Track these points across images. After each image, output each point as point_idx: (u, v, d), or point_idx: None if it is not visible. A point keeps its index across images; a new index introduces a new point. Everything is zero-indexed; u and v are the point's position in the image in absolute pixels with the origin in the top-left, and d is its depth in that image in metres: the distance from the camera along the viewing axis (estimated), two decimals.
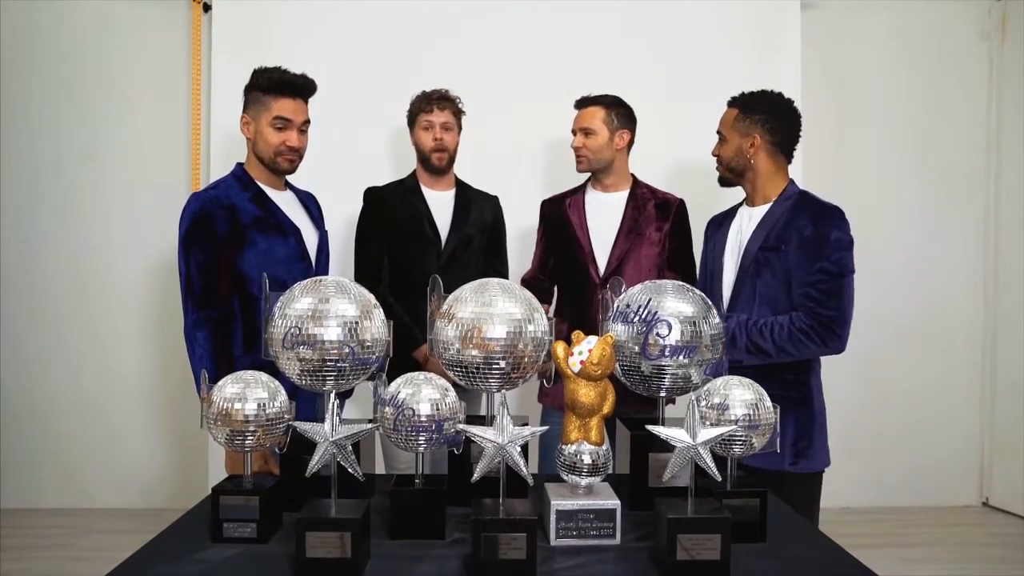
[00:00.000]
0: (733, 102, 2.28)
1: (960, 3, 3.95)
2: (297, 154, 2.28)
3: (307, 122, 2.30)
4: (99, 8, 3.76)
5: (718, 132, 2.30)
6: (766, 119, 2.20)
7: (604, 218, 2.63)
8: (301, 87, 2.27)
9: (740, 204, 2.36)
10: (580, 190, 2.72)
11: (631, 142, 2.65)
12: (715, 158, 2.32)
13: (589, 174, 2.70)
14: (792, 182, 2.24)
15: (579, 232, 2.62)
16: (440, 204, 2.69)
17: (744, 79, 2.75)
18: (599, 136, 2.58)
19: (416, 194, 2.68)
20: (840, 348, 2.09)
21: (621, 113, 2.61)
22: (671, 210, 2.64)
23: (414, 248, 2.63)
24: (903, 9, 3.91)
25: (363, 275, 2.65)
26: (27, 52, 3.77)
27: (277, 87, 2.23)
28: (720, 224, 2.38)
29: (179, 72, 3.75)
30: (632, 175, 2.69)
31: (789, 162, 2.27)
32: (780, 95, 2.25)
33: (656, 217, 2.61)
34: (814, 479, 2.16)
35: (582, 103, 2.64)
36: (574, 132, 2.63)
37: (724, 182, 2.34)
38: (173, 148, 3.78)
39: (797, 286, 2.10)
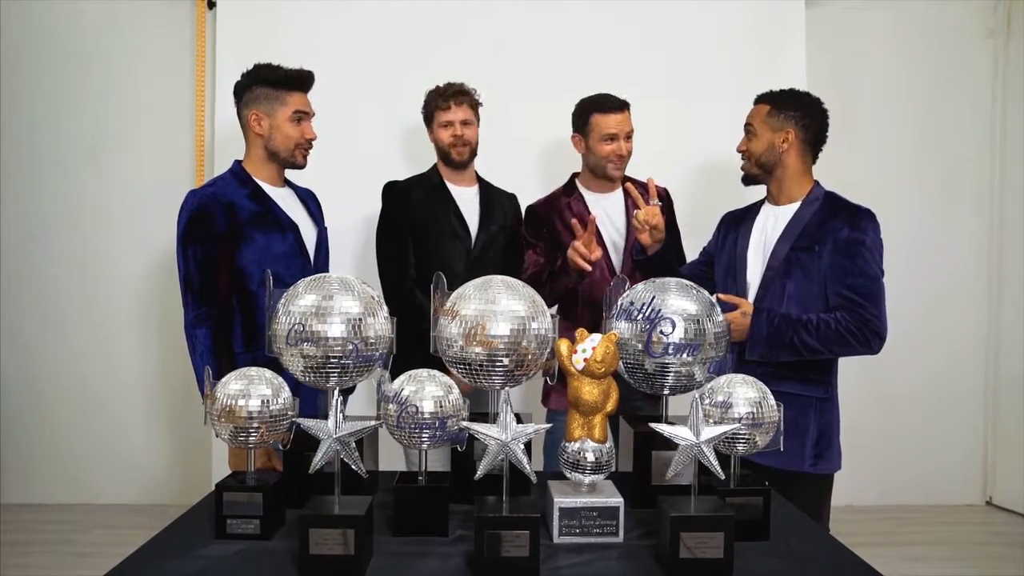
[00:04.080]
0: (762, 98, 2.24)
1: (965, 1, 3.94)
2: (311, 146, 2.34)
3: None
4: (103, 6, 3.76)
5: (747, 126, 2.24)
6: (800, 116, 2.17)
7: (610, 217, 2.60)
8: (309, 81, 2.33)
9: (761, 202, 2.32)
10: (572, 191, 2.66)
11: None
12: (741, 153, 2.26)
13: (564, 173, 2.71)
14: (818, 183, 2.21)
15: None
16: (466, 200, 2.66)
17: (748, 77, 2.75)
18: (632, 139, 2.59)
19: (442, 190, 2.64)
20: (879, 349, 2.07)
21: None
22: (664, 201, 2.63)
23: (443, 245, 2.58)
24: (907, 7, 3.89)
25: (388, 271, 2.61)
26: (30, 50, 3.77)
27: (290, 82, 2.28)
28: (741, 220, 2.34)
29: (183, 70, 3.76)
30: None
31: (814, 162, 2.25)
32: (811, 95, 2.23)
33: None
34: (828, 480, 2.15)
35: (622, 106, 2.56)
36: (613, 137, 2.53)
37: (750, 179, 2.27)
38: (177, 146, 3.78)
39: (833, 287, 2.07)
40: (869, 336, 2.04)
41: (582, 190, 2.65)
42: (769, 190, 2.27)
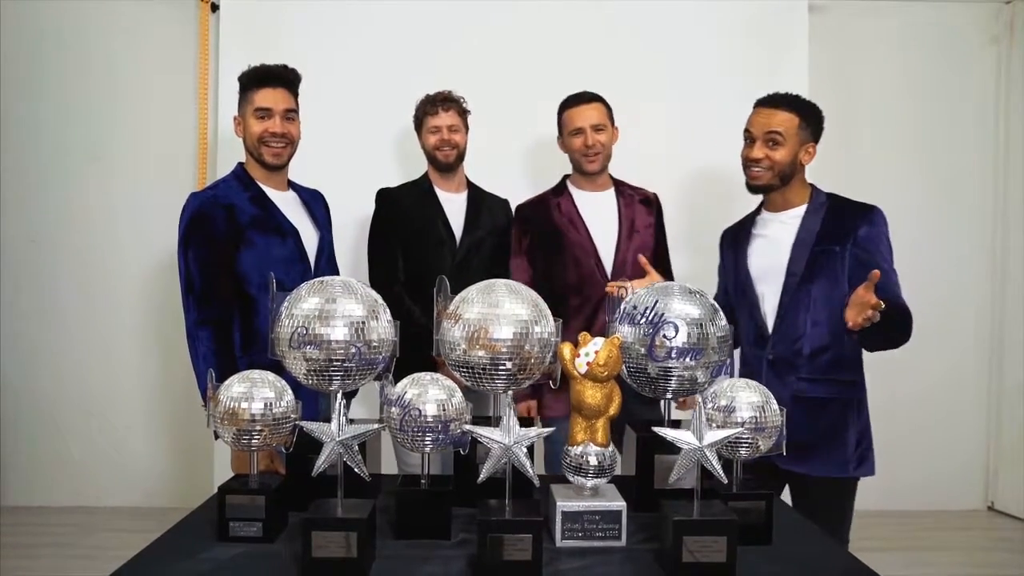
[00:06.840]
0: (789, 106, 2.11)
1: (968, 6, 3.94)
2: (283, 141, 2.27)
3: (291, 110, 2.29)
4: (106, 8, 3.77)
5: (774, 134, 2.09)
6: (818, 129, 2.15)
7: (600, 217, 2.59)
8: (280, 76, 2.28)
9: (755, 213, 2.27)
10: (562, 191, 2.65)
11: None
12: (755, 162, 2.12)
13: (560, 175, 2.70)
14: (814, 185, 2.20)
15: (579, 234, 2.56)
16: (454, 206, 2.70)
17: (751, 81, 2.74)
18: (607, 131, 2.57)
19: (430, 196, 2.68)
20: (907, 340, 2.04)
21: (609, 109, 2.61)
22: (653, 205, 2.67)
23: (429, 250, 2.63)
24: (910, 12, 3.90)
25: (377, 276, 2.64)
26: (34, 52, 3.78)
27: (256, 80, 2.27)
28: (738, 232, 2.28)
29: (187, 72, 3.77)
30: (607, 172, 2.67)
31: None
32: (815, 103, 2.18)
33: (645, 213, 2.62)
34: (857, 483, 2.12)
35: (588, 99, 2.57)
36: (579, 131, 2.53)
37: (763, 189, 2.15)
38: (180, 148, 3.79)
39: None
40: (911, 326, 2.01)
41: (572, 190, 2.66)
42: (772, 198, 2.21)
